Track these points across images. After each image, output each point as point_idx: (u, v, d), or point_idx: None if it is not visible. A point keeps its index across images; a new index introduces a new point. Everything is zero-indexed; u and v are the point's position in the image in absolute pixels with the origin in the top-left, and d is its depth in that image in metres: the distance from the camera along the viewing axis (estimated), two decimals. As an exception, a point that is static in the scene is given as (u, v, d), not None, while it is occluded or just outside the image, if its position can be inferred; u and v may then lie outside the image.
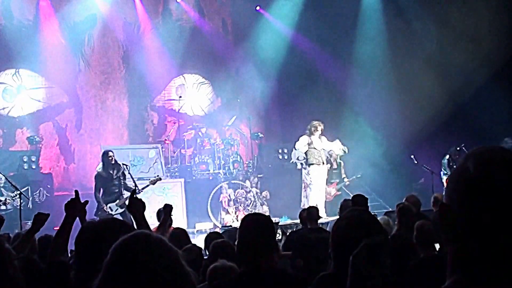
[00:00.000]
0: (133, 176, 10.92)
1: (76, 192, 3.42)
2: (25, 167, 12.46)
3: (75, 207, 3.27)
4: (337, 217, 7.34)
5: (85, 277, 2.08)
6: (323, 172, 11.23)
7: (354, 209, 2.76)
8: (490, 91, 12.13)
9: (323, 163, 11.14)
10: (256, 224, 3.17)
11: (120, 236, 1.48)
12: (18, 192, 10.91)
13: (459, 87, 12.66)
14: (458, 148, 11.54)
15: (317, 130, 11.06)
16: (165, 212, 7.61)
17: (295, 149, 11.43)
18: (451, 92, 12.69)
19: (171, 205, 7.92)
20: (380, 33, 13.64)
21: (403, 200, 7.00)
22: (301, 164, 11.77)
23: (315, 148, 11.08)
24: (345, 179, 13.37)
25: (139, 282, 1.34)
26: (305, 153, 11.20)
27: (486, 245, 1.18)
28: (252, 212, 11.79)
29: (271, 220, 3.48)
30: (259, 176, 13.60)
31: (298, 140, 11.32)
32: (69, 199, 3.32)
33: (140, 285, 1.34)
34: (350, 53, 14.03)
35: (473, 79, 12.52)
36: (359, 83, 14.00)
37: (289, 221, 11.46)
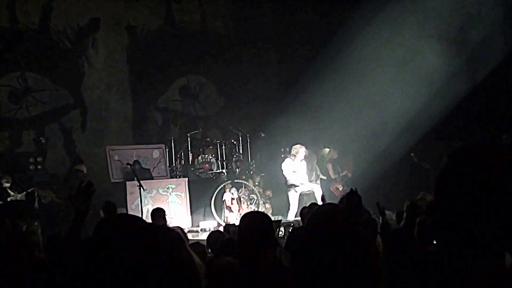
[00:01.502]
0: (138, 176, 11.14)
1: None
2: (31, 168, 12.61)
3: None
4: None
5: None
6: (300, 190, 11.64)
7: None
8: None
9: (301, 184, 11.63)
10: (255, 222, 3.28)
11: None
12: (25, 193, 11.11)
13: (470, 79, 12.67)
14: None
15: (299, 153, 11.53)
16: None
17: (284, 174, 11.75)
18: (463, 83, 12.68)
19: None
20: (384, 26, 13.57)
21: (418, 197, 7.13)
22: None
23: (295, 172, 11.54)
24: (341, 174, 13.56)
25: (145, 270, 1.34)
26: (290, 175, 11.61)
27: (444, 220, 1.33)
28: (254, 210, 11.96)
29: (269, 217, 3.56)
30: (261, 175, 13.74)
31: (283, 164, 11.70)
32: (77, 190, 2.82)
33: (146, 273, 1.34)
34: (352, 48, 14.00)
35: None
36: (362, 79, 14.06)
37: (291, 219, 11.60)
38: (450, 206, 1.32)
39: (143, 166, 12.94)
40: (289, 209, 11.74)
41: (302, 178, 11.73)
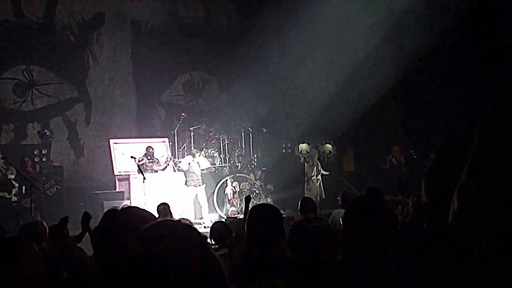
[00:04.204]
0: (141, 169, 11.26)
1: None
2: (36, 160, 12.73)
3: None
4: (338, 209, 7.63)
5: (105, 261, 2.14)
6: (201, 191, 12.14)
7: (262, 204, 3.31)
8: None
9: (200, 185, 12.12)
10: (264, 214, 3.27)
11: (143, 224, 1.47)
12: (29, 184, 11.20)
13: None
14: None
15: (196, 156, 12.09)
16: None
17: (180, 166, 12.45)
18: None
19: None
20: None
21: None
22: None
23: (193, 173, 12.01)
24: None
25: (165, 267, 1.32)
26: (185, 174, 12.06)
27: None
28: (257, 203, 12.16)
29: (278, 210, 3.46)
30: (263, 169, 13.87)
31: (184, 158, 12.42)
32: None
33: (166, 270, 1.31)
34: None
35: None
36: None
37: (292, 214, 11.71)
38: (440, 201, 1.33)
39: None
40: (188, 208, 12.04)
41: (200, 178, 12.18)
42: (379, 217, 2.42)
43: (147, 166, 12.30)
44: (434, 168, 1.41)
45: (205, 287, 1.33)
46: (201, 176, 12.23)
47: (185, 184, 12.05)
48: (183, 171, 12.19)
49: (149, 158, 12.45)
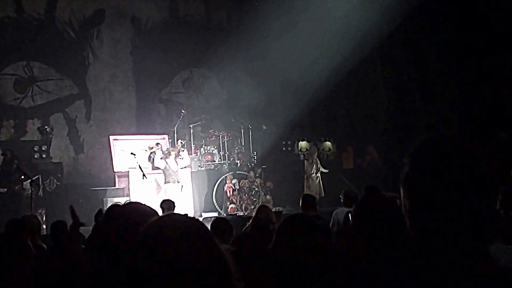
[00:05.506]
0: (141, 166, 11.30)
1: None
2: (36, 157, 12.76)
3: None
4: (341, 208, 7.63)
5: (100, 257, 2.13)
6: (177, 189, 11.93)
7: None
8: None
9: (177, 181, 11.90)
10: (270, 214, 3.26)
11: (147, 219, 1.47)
12: (30, 180, 11.24)
13: None
14: None
15: (171, 155, 11.89)
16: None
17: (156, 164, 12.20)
18: None
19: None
20: None
21: None
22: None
23: (171, 170, 11.82)
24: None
25: (173, 260, 1.31)
26: (163, 171, 11.83)
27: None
28: (256, 201, 12.30)
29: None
30: (263, 166, 13.88)
31: (157, 157, 12.01)
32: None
33: (174, 263, 1.31)
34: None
35: None
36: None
37: (293, 211, 11.75)
38: (426, 206, 1.28)
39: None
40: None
41: (178, 175, 12.04)
42: (392, 215, 2.43)
43: (156, 153, 12.19)
44: (410, 173, 1.33)
45: (213, 281, 1.32)
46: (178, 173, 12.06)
47: (165, 182, 11.84)
48: (161, 169, 11.92)
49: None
